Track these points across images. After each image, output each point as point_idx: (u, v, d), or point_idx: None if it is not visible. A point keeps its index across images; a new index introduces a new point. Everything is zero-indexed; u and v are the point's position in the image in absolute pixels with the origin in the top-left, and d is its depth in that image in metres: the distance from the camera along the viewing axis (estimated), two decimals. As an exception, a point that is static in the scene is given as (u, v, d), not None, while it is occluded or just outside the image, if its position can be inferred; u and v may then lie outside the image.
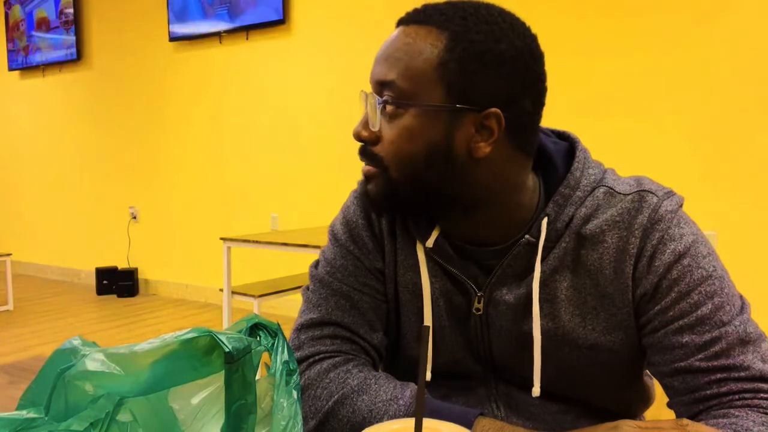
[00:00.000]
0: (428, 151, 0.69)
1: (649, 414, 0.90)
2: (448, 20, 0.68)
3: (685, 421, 0.55)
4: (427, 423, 0.49)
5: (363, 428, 0.63)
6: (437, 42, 0.67)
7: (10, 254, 4.68)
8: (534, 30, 0.72)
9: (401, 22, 0.72)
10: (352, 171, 3.83)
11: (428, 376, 0.81)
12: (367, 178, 0.74)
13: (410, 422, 0.49)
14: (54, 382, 0.48)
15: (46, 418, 0.48)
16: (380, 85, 0.70)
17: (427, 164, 0.70)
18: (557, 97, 2.81)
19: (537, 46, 0.70)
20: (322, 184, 4.19)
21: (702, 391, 0.67)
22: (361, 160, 0.75)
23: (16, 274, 5.87)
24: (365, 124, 0.72)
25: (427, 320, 0.79)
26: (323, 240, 0.86)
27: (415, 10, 0.71)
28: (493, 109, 0.67)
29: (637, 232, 0.70)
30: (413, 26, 0.70)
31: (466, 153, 0.69)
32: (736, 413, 0.64)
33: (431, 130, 0.68)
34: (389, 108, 0.70)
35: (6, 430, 0.46)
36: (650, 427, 0.55)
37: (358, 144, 0.74)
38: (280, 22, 4.20)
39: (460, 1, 0.70)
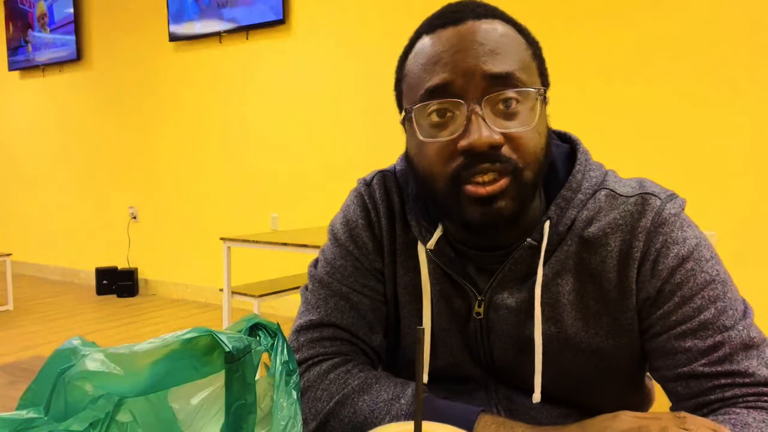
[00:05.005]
0: (547, 140, 0.69)
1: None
2: (501, 14, 0.69)
3: (683, 413, 0.55)
4: (427, 426, 0.49)
5: (364, 428, 0.63)
6: (519, 34, 0.69)
7: (10, 254, 4.68)
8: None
9: (465, 18, 0.67)
10: (352, 171, 3.83)
11: (426, 378, 0.80)
12: (499, 195, 0.65)
13: (410, 426, 0.48)
14: (54, 383, 0.48)
15: (46, 418, 0.48)
16: (496, 79, 0.64)
17: (545, 155, 0.69)
18: (558, 97, 2.80)
19: None
20: (322, 184, 4.18)
21: (706, 396, 0.67)
22: (485, 172, 0.64)
23: (16, 274, 5.87)
24: (487, 126, 0.64)
25: (427, 322, 0.78)
26: (323, 240, 0.85)
27: (467, 6, 0.69)
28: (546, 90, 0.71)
29: (640, 235, 0.69)
30: (486, 20, 0.67)
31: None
32: (737, 410, 0.64)
33: (545, 118, 0.70)
34: (534, 101, 0.66)
35: (6, 430, 0.46)
36: (649, 417, 0.55)
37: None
38: (280, 22, 4.20)
39: None
